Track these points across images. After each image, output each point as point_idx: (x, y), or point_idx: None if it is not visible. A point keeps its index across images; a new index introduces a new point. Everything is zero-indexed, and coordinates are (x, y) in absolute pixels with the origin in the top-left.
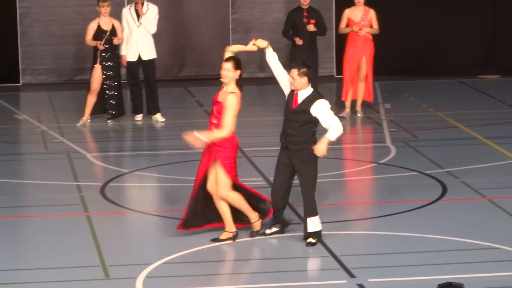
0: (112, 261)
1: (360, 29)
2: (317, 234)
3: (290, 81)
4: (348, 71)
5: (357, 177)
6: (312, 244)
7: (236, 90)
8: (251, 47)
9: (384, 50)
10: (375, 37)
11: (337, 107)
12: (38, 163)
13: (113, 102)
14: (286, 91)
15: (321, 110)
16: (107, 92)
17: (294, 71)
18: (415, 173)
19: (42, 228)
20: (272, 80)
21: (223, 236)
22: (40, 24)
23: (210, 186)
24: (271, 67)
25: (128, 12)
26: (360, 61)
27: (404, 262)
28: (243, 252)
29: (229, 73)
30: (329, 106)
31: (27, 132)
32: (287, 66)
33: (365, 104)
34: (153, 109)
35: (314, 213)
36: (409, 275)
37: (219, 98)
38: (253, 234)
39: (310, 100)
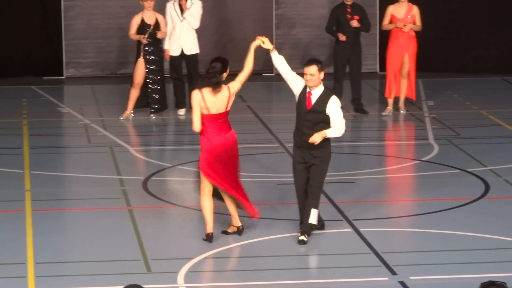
0: (154, 255)
1: (404, 25)
2: (311, 229)
3: (308, 79)
4: (391, 68)
5: (399, 174)
6: (304, 243)
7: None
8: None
9: (427, 47)
10: (418, 34)
11: (380, 104)
12: (81, 156)
13: (156, 96)
14: (296, 91)
15: (334, 107)
16: (150, 86)
17: (313, 67)
18: (457, 170)
19: (84, 222)
20: None
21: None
22: (84, 17)
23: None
24: (279, 70)
25: (172, 7)
26: (403, 58)
27: (446, 260)
28: (283, 248)
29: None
30: (340, 104)
31: (70, 125)
32: (330, 62)
33: (407, 101)
34: None
35: (317, 206)
36: (451, 273)
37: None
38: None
39: (324, 99)
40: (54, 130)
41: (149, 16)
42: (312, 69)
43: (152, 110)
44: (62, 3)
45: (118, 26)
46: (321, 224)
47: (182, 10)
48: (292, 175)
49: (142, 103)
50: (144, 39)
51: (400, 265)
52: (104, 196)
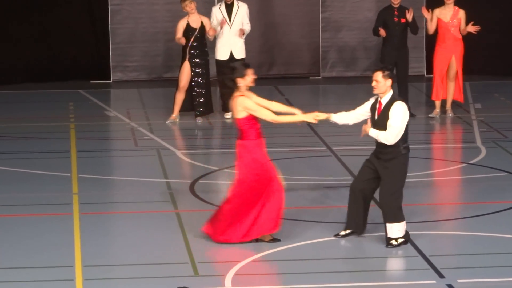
0: (201, 258)
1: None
2: (395, 242)
3: (374, 85)
4: (438, 70)
5: (447, 177)
6: (392, 246)
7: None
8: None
9: (474, 49)
10: (465, 37)
11: (427, 107)
12: (128, 159)
13: (201, 100)
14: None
15: (394, 112)
16: (195, 89)
17: (379, 74)
18: (505, 173)
19: (131, 224)
20: (361, 79)
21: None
22: (131, 21)
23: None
24: (349, 123)
25: (218, 11)
26: (450, 60)
27: (494, 263)
28: (328, 251)
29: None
30: (405, 112)
31: (117, 128)
32: (377, 65)
33: (455, 104)
34: None
35: (392, 220)
36: (498, 276)
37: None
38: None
39: (389, 104)
40: (101, 133)
41: (195, 20)
42: (377, 76)
43: (197, 114)
44: (109, 7)
45: (164, 30)
46: (406, 238)
47: (230, 14)
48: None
49: (188, 106)
50: (185, 44)
51: (448, 268)
52: (151, 199)
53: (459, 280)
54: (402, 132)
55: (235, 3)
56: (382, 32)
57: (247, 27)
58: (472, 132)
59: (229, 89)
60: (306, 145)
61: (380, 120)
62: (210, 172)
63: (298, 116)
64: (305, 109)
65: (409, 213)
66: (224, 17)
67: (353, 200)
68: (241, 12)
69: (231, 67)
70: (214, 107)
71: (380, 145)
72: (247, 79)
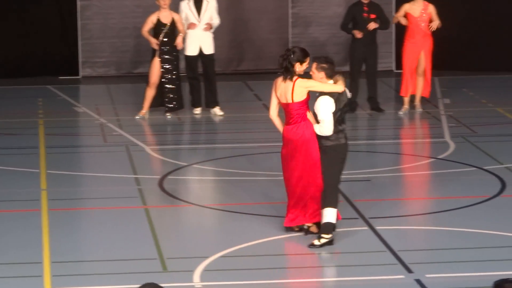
0: (170, 253)
1: (431, 28)
2: (329, 229)
3: (311, 73)
4: (407, 66)
5: (416, 172)
6: (314, 246)
7: None
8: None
9: (443, 45)
10: (434, 32)
11: (396, 102)
12: (97, 155)
13: (172, 96)
14: None
15: (318, 106)
16: (165, 85)
17: (314, 64)
18: (473, 168)
19: (100, 221)
20: None
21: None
22: (100, 17)
23: None
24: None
25: (187, 6)
26: (419, 56)
27: (462, 258)
28: (299, 246)
29: None
30: (330, 105)
31: (86, 124)
32: (346, 61)
33: (424, 99)
34: (212, 103)
35: (327, 204)
36: (466, 271)
37: None
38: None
39: (317, 98)
40: (70, 129)
41: (165, 16)
42: (313, 66)
43: (167, 109)
44: (78, 2)
45: (134, 26)
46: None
47: (199, 10)
48: None
49: (158, 102)
50: (156, 45)
51: (416, 263)
52: (120, 195)
53: (427, 275)
54: (330, 123)
55: None
56: (359, 34)
57: (216, 22)
58: (441, 127)
59: (285, 72)
60: (276, 140)
61: (314, 113)
62: (179, 168)
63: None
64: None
65: (378, 208)
66: (194, 15)
67: None
68: (210, 7)
69: (292, 50)
70: (184, 102)
71: (320, 137)
72: (304, 66)
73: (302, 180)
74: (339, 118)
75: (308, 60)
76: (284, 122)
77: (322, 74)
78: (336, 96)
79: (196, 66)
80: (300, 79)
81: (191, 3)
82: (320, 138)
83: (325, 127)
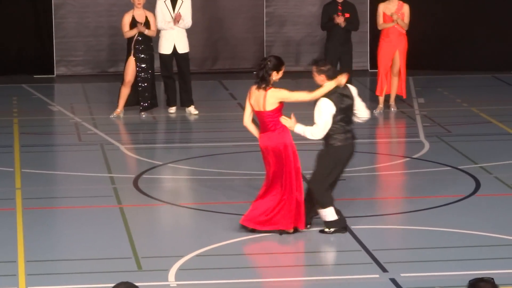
0: (145, 253)
1: (395, 16)
2: (334, 225)
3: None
4: (382, 65)
5: (390, 172)
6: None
7: None
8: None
9: (418, 44)
10: (409, 32)
11: (371, 102)
12: (72, 154)
13: (146, 94)
14: None
15: (316, 108)
16: (140, 84)
17: (313, 68)
18: (448, 168)
19: (74, 220)
20: (306, 74)
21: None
22: (75, 15)
23: None
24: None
25: (163, 5)
26: (394, 55)
27: (437, 257)
28: (274, 246)
29: None
30: (325, 107)
31: (61, 123)
32: (322, 60)
33: (398, 98)
34: (187, 102)
35: (320, 205)
36: (442, 270)
37: None
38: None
39: (317, 100)
40: (45, 128)
41: (139, 14)
42: (313, 70)
43: (142, 108)
44: (53, 1)
45: (108, 25)
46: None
47: (174, 8)
48: None
49: (133, 101)
50: (142, 27)
51: (391, 262)
52: (95, 194)
53: (402, 274)
54: (326, 126)
55: None
56: (338, 18)
57: (189, 22)
58: (416, 126)
59: (261, 81)
60: (251, 139)
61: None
62: (154, 167)
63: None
64: None
65: (353, 207)
66: (170, 13)
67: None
68: (185, 6)
69: (268, 59)
70: (158, 101)
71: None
72: (280, 74)
73: (282, 187)
74: (345, 119)
75: (283, 68)
76: (260, 129)
77: (322, 77)
78: (336, 98)
79: (170, 64)
80: (272, 89)
81: (168, 1)
82: (327, 137)
83: (317, 131)
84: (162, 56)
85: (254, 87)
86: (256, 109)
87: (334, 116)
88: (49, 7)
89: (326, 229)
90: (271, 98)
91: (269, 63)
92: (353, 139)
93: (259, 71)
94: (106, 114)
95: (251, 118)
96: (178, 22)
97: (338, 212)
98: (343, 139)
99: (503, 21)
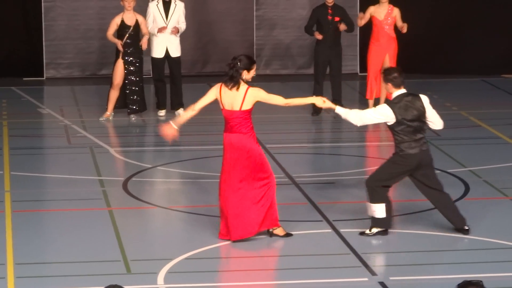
0: (134, 256)
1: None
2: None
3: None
4: (372, 69)
5: None
6: (365, 234)
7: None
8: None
9: (408, 48)
10: (399, 35)
11: (361, 105)
12: (61, 157)
13: (135, 98)
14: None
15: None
16: (128, 87)
17: (381, 76)
18: (437, 171)
19: (64, 222)
20: (295, 77)
21: (278, 231)
22: (65, 18)
23: None
24: (355, 123)
25: (156, 8)
26: (384, 59)
27: (426, 261)
28: (262, 249)
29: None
30: (381, 110)
31: (51, 126)
32: (311, 63)
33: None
34: (176, 105)
35: (371, 200)
36: (430, 274)
37: None
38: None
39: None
40: (34, 131)
41: (129, 17)
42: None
43: (130, 111)
44: (43, 4)
45: (98, 27)
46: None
47: (167, 12)
48: None
49: (122, 104)
50: (121, 46)
51: (380, 265)
52: (84, 197)
53: (391, 278)
54: (368, 120)
55: (173, 1)
56: (319, 35)
57: (183, 26)
58: None
59: (230, 79)
60: None
61: None
62: (143, 170)
63: (308, 98)
64: None
65: (342, 211)
66: (161, 16)
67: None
68: (178, 10)
69: (239, 58)
70: (147, 104)
71: None
72: (251, 73)
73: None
74: (412, 128)
75: (254, 67)
76: (224, 129)
77: (389, 85)
78: (399, 108)
79: (162, 68)
80: (252, 88)
81: (160, 5)
82: (396, 146)
83: (361, 117)
84: (154, 60)
85: (223, 85)
86: (228, 108)
87: (396, 126)
88: (39, 10)
89: (367, 231)
90: (251, 97)
91: (239, 62)
92: (422, 147)
93: (229, 70)
94: (96, 117)
95: (201, 107)
96: (176, 35)
97: (388, 211)
98: (410, 147)
99: (492, 25)
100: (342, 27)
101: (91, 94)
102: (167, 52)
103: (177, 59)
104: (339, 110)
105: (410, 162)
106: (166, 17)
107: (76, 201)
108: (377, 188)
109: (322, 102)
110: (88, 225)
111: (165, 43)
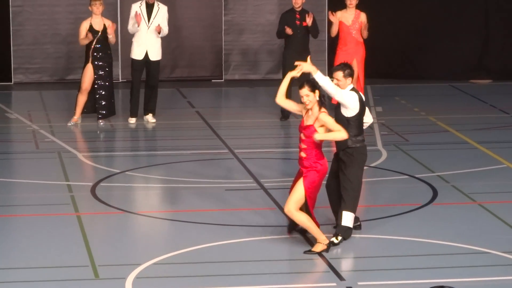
0: (102, 261)
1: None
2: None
3: (336, 83)
4: None
5: None
6: (334, 244)
7: (323, 109)
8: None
9: (375, 53)
10: (367, 40)
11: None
12: (29, 162)
13: (104, 103)
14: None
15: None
16: (98, 91)
17: (339, 73)
18: (406, 176)
19: (31, 227)
20: (264, 82)
21: (317, 248)
22: (33, 23)
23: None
24: (329, 91)
25: (138, 9)
26: (351, 64)
27: (394, 266)
28: (232, 253)
29: (310, 97)
30: (355, 98)
31: (18, 131)
32: (279, 69)
33: None
34: (147, 110)
35: (348, 209)
36: (398, 279)
37: (308, 122)
38: (307, 252)
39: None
40: (2, 136)
41: (97, 22)
42: (338, 75)
43: (99, 116)
44: (11, 8)
45: (66, 32)
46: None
47: (149, 14)
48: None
49: (91, 108)
50: (90, 37)
51: (348, 270)
52: (52, 202)
53: (359, 283)
54: (341, 97)
55: (156, 4)
56: (289, 30)
57: (165, 30)
58: (373, 135)
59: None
60: (208, 148)
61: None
62: (111, 175)
63: (286, 78)
64: (208, 112)
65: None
66: (143, 18)
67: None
68: (161, 13)
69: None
70: (117, 109)
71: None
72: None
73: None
74: (361, 120)
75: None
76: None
77: (350, 80)
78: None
79: (140, 70)
80: (324, 113)
81: (143, 7)
82: (351, 139)
83: (339, 91)
84: (134, 61)
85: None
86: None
87: (358, 117)
88: (6, 15)
89: (334, 239)
90: (320, 121)
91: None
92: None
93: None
94: (64, 122)
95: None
96: (159, 33)
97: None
98: (362, 140)
99: (460, 29)
100: (309, 21)
101: (59, 99)
102: (146, 54)
103: (156, 62)
104: (318, 76)
105: (365, 153)
106: (149, 20)
107: (43, 206)
108: (358, 196)
109: (299, 70)
110: (56, 230)
111: (145, 45)
